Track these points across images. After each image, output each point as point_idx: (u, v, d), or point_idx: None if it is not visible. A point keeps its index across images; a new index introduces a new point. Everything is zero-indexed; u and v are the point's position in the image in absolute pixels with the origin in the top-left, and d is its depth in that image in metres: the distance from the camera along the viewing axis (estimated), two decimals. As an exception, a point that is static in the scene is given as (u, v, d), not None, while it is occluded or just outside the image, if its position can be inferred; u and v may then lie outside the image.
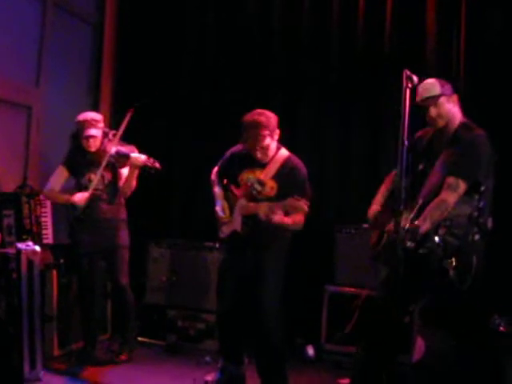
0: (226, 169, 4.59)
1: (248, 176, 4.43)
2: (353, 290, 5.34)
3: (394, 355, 4.01)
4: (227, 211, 4.49)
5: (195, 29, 6.57)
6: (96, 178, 5.07)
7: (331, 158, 6.01)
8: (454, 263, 3.62)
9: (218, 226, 4.56)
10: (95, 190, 5.10)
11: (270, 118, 4.35)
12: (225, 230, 4.49)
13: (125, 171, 5.18)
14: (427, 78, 3.99)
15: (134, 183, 5.19)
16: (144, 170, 5.05)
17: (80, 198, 5.08)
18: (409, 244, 3.52)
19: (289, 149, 4.55)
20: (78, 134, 5.15)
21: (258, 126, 4.29)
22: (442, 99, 3.93)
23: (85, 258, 5.17)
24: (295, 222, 4.32)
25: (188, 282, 5.81)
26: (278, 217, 4.22)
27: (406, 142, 3.33)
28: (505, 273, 5.29)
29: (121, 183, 5.22)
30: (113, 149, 5.03)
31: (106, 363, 5.16)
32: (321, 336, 5.51)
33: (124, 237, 5.25)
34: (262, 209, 4.22)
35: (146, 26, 6.66)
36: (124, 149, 5.06)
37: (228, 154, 4.62)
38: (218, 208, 4.55)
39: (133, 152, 5.06)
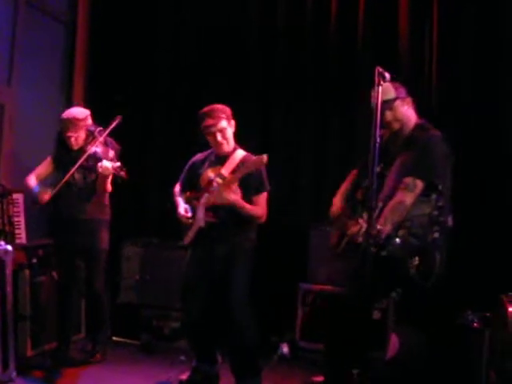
0: (189, 177, 4.75)
1: (209, 174, 4.58)
2: (326, 287, 5.37)
3: (365, 352, 4.02)
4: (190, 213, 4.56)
5: (169, 25, 6.56)
6: (66, 177, 4.99)
7: (306, 156, 6.03)
8: (416, 262, 3.66)
9: (183, 232, 4.62)
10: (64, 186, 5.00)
11: (224, 106, 4.59)
12: (190, 234, 4.55)
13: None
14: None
15: (107, 187, 5.12)
16: (115, 179, 5.01)
17: (43, 195, 4.98)
18: (371, 249, 3.55)
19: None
20: (61, 132, 5.09)
21: (214, 110, 4.54)
22: (397, 102, 3.99)
23: (64, 257, 5.12)
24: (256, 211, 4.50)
25: (162, 280, 5.79)
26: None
27: (378, 140, 3.35)
28: (477, 269, 5.34)
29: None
30: (92, 149, 4.99)
31: (80, 363, 5.12)
32: (295, 334, 5.53)
33: (104, 239, 5.18)
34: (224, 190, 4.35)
35: (118, 24, 6.64)
36: (100, 153, 5.00)
37: (188, 164, 4.81)
38: (181, 210, 4.60)
39: (109, 156, 4.98)
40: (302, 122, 6.04)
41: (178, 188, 4.84)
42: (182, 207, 4.61)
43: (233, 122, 4.61)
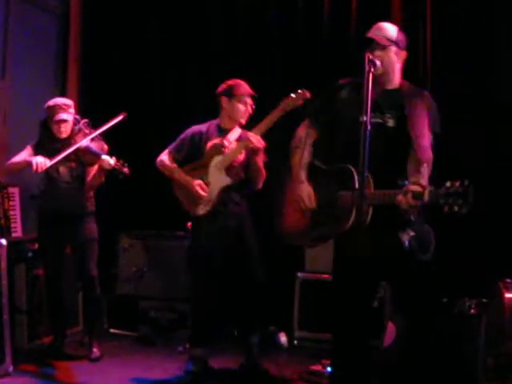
0: (190, 149, 4.83)
1: (213, 142, 4.76)
2: (324, 276, 5.36)
3: (366, 340, 3.98)
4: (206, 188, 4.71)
5: (161, 17, 6.53)
6: (59, 157, 4.91)
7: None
8: (411, 233, 3.55)
9: (192, 205, 4.74)
10: (57, 163, 4.96)
11: None
12: (210, 200, 4.70)
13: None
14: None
15: (102, 179, 5.10)
16: (111, 173, 4.96)
17: (42, 160, 4.87)
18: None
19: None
20: (48, 120, 5.02)
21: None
22: (393, 47, 3.69)
23: (52, 250, 5.10)
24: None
25: (159, 272, 5.80)
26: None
27: (368, 126, 3.30)
28: (474, 256, 5.34)
29: (88, 178, 5.11)
30: (83, 142, 4.94)
31: (77, 358, 5.10)
32: (293, 323, 5.53)
33: (92, 230, 5.14)
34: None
35: (111, 16, 6.61)
36: (95, 147, 4.95)
37: (187, 135, 4.87)
38: (196, 183, 4.69)
39: (103, 152, 4.95)
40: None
41: (167, 160, 4.89)
42: (193, 183, 4.71)
43: None
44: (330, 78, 3.94)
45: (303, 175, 3.83)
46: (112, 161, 4.87)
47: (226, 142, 4.72)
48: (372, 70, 3.42)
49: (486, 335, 4.45)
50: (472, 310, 4.85)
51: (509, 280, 4.82)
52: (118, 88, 6.39)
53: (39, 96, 5.95)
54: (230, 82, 4.85)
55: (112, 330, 5.73)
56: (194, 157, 4.83)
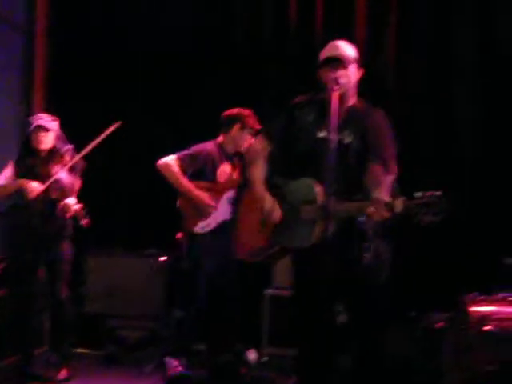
0: (202, 166, 5.00)
1: (227, 169, 5.02)
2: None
3: (332, 356, 3.98)
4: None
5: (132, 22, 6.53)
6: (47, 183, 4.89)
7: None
8: (368, 249, 3.58)
9: (192, 219, 4.93)
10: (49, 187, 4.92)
11: None
12: (210, 223, 4.95)
13: None
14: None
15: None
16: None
17: (35, 186, 4.86)
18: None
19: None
20: (29, 134, 4.99)
21: None
22: (353, 65, 3.72)
23: (23, 271, 5.04)
24: None
25: (127, 290, 5.74)
26: None
27: (335, 144, 3.35)
28: (440, 270, 5.40)
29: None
30: (59, 174, 4.90)
31: (44, 379, 5.03)
32: (262, 340, 5.52)
33: (67, 251, 5.12)
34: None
35: (79, 33, 6.56)
36: (66, 182, 4.92)
37: (202, 152, 5.03)
38: (205, 197, 4.92)
39: (72, 191, 4.94)
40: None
41: (175, 166, 4.97)
42: (201, 196, 4.94)
43: None
44: (291, 94, 3.97)
45: (262, 188, 3.80)
46: (74, 207, 4.88)
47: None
48: (336, 88, 3.49)
49: (451, 349, 4.49)
50: (438, 324, 4.90)
51: (473, 294, 4.86)
52: (86, 104, 6.35)
53: (5, 114, 5.93)
54: (246, 112, 5.03)
55: (79, 350, 5.67)
56: (199, 175, 5.01)
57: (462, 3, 5.69)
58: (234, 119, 5.03)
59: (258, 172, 3.83)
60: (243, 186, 4.08)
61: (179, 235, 5.11)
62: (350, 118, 3.70)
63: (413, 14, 5.76)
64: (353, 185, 3.61)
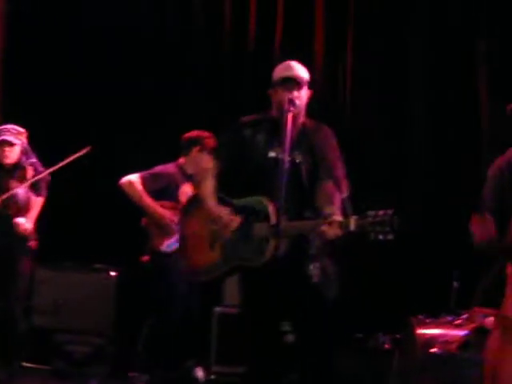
0: (165, 186, 5.06)
1: (187, 190, 4.91)
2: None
3: (280, 374, 3.98)
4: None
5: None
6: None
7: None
8: (317, 268, 3.62)
9: (158, 237, 4.95)
10: None
11: None
12: (174, 243, 4.77)
13: None
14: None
15: None
16: None
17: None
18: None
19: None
20: None
21: None
22: (306, 88, 3.77)
23: None
24: None
25: (75, 304, 5.68)
26: None
27: (287, 163, 3.38)
28: (387, 292, 5.46)
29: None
30: (18, 189, 4.85)
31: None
32: (210, 358, 5.51)
33: (25, 266, 5.06)
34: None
35: (33, 41, 6.51)
36: (22, 198, 4.88)
37: (162, 172, 5.12)
38: (168, 214, 4.95)
39: (28, 207, 4.92)
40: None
41: (138, 184, 5.00)
42: (168, 211, 4.98)
43: None
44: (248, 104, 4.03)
45: (212, 204, 3.77)
46: (23, 227, 4.90)
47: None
48: (292, 109, 3.53)
49: (398, 369, 4.55)
50: (386, 345, 4.96)
51: (421, 316, 4.93)
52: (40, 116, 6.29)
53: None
54: (205, 134, 5.05)
55: (25, 364, 5.58)
56: (161, 195, 5.04)
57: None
58: (193, 142, 5.06)
59: (208, 188, 3.81)
60: (190, 205, 4.05)
61: (145, 258, 5.10)
62: (300, 138, 3.75)
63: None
64: (304, 203, 3.67)
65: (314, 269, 3.59)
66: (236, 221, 3.67)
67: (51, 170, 4.95)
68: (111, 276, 5.74)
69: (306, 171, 3.70)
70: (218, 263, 3.75)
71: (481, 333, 4.43)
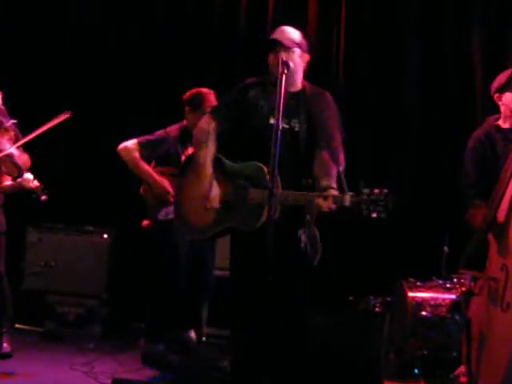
0: (164, 151, 4.90)
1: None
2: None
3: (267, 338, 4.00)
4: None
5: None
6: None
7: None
8: (305, 233, 3.66)
9: (155, 206, 4.85)
10: None
11: None
12: (168, 210, 4.75)
13: None
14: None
15: (14, 190, 4.90)
16: (27, 192, 4.78)
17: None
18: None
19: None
20: None
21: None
22: (296, 49, 3.75)
23: None
24: None
25: (68, 266, 5.70)
26: None
27: (280, 127, 3.36)
28: (378, 255, 5.50)
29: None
30: (8, 148, 4.69)
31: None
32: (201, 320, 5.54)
33: (1, 222, 5.03)
34: None
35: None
36: (19, 159, 4.71)
37: (161, 136, 4.94)
38: (166, 184, 4.82)
39: (25, 168, 4.75)
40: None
41: (136, 152, 4.86)
42: (161, 183, 4.84)
43: None
44: (242, 76, 3.99)
45: (209, 171, 3.79)
46: (34, 183, 4.70)
47: None
48: (285, 71, 3.49)
49: (389, 332, 4.59)
50: (376, 308, 4.99)
51: (411, 279, 4.97)
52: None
53: None
54: (205, 90, 4.93)
55: (17, 325, 5.60)
56: (166, 160, 4.91)
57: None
58: (184, 102, 4.99)
59: (207, 154, 3.80)
60: (187, 164, 4.02)
61: (145, 223, 5.02)
62: (299, 104, 3.76)
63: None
64: (302, 171, 3.70)
65: (301, 234, 3.64)
66: (215, 203, 3.73)
67: (33, 135, 4.83)
68: (104, 238, 5.75)
69: (304, 139, 3.71)
70: (211, 224, 3.79)
71: (470, 296, 4.48)
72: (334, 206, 3.43)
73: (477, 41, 5.62)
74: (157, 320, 4.95)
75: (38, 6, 6.41)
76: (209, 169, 3.78)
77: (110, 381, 4.27)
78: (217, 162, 3.82)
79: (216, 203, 3.75)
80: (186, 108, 5.01)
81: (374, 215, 3.25)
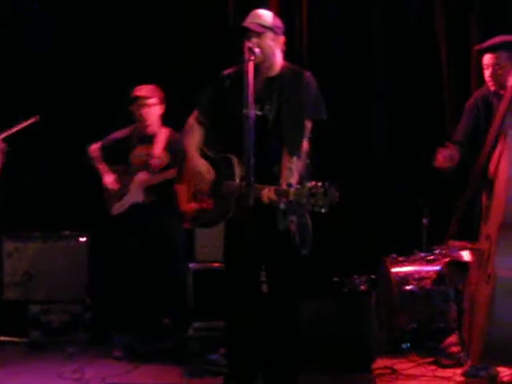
0: (116, 149, 5.19)
1: (140, 151, 5.12)
2: (215, 265, 5.38)
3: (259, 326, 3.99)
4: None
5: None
6: None
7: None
8: (295, 222, 3.65)
9: (109, 202, 5.16)
10: None
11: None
12: (121, 206, 5.12)
13: None
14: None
15: None
16: None
17: None
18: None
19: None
20: None
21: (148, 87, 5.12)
22: (269, 33, 3.68)
23: None
24: None
25: (48, 274, 5.62)
26: None
27: (251, 114, 3.32)
28: (360, 234, 5.50)
29: None
30: None
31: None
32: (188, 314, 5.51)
33: None
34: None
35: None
36: None
37: (113, 136, 5.26)
38: (109, 181, 5.15)
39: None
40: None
41: (96, 153, 5.24)
42: (111, 178, 5.16)
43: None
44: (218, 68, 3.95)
45: (196, 153, 3.86)
46: None
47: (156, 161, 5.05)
48: (252, 58, 3.45)
49: (377, 310, 4.60)
50: (362, 287, 5.01)
51: (394, 255, 4.99)
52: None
53: None
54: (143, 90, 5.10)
55: (1, 338, 5.52)
56: (120, 159, 5.20)
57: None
58: (135, 98, 5.09)
59: (189, 141, 3.88)
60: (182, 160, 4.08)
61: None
62: (271, 91, 3.71)
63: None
64: (273, 160, 3.66)
65: (290, 222, 3.62)
66: (211, 175, 3.77)
67: (2, 136, 4.85)
68: (82, 241, 5.68)
69: (275, 127, 3.68)
70: (198, 213, 3.89)
71: (454, 266, 4.51)
72: (274, 198, 3.40)
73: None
74: (121, 311, 5.16)
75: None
76: (195, 153, 3.86)
77: (101, 386, 4.23)
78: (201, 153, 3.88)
79: (211, 175, 3.80)
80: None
81: (316, 209, 3.18)
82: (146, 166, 5.09)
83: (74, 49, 6.12)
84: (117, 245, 5.26)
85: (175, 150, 4.96)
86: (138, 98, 5.07)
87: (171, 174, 4.88)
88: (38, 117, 4.98)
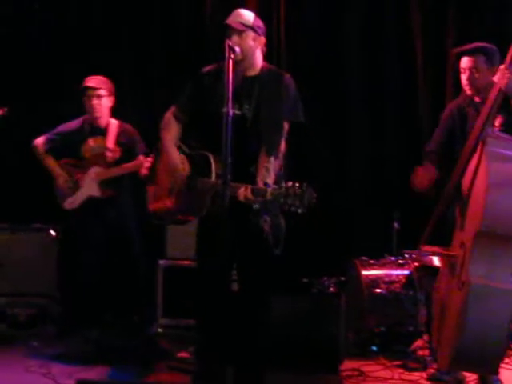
0: (65, 143, 5.14)
1: (92, 144, 5.09)
2: (185, 263, 5.36)
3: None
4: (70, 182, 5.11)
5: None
6: None
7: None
8: (269, 222, 3.66)
9: (62, 197, 5.11)
10: None
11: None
12: (76, 201, 5.09)
13: None
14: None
15: None
16: None
17: None
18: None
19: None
20: None
21: (99, 78, 5.09)
22: (250, 32, 3.72)
23: None
24: None
25: (16, 266, 5.55)
26: None
27: (230, 113, 3.32)
28: (330, 236, 5.52)
29: None
30: None
31: None
32: (157, 311, 5.49)
33: None
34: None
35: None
36: None
37: (62, 129, 5.17)
38: (61, 179, 5.09)
39: None
40: (150, 97, 5.95)
41: (42, 147, 5.14)
42: (62, 176, 5.10)
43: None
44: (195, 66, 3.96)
45: (173, 148, 3.86)
46: None
47: (109, 154, 5.05)
48: (232, 56, 3.45)
49: (346, 312, 4.62)
50: (331, 289, 5.02)
51: (364, 257, 5.01)
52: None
53: None
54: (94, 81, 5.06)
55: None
56: (70, 152, 5.13)
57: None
58: (85, 89, 5.05)
59: (169, 137, 3.89)
60: (158, 153, 4.09)
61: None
62: (249, 91, 3.73)
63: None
64: (250, 159, 3.67)
65: (264, 222, 3.62)
66: (186, 171, 3.77)
67: None
68: (51, 235, 5.63)
69: (252, 126, 3.70)
70: (169, 212, 3.89)
71: (424, 271, 4.55)
72: (251, 197, 3.40)
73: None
74: (87, 306, 5.15)
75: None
76: (171, 150, 3.86)
77: (69, 381, 4.18)
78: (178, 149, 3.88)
79: (185, 169, 3.81)
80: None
81: (293, 209, 3.19)
82: (100, 159, 5.07)
83: (74, 49, 6.07)
84: (79, 239, 5.27)
85: (127, 142, 5.06)
86: (87, 88, 5.02)
87: (131, 167, 4.93)
88: (5, 109, 4.88)
